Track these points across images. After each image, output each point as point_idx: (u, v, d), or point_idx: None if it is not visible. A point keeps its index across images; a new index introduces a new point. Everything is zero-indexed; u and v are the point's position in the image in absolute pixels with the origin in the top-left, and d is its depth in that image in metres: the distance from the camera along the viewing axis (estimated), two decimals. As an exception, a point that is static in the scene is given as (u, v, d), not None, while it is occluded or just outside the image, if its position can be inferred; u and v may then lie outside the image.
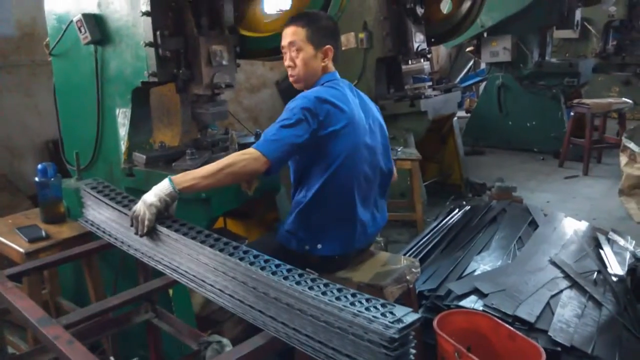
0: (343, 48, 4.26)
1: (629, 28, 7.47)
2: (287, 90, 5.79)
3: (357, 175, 2.02)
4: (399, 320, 1.16)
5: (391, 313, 1.19)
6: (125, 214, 1.84)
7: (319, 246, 2.05)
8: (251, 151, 1.85)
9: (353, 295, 1.27)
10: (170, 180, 1.79)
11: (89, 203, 2.07)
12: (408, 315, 1.18)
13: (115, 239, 1.92)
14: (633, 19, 7.40)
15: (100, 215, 2.00)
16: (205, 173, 1.82)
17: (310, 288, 1.31)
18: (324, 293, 1.28)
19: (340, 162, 1.97)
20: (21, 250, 2.11)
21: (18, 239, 2.19)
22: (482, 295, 2.42)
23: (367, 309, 1.20)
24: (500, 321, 2.15)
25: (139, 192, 2.25)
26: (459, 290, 2.45)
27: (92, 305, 1.79)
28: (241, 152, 1.88)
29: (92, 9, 2.36)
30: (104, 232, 1.99)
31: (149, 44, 2.21)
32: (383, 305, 1.21)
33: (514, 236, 3.11)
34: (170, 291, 2.19)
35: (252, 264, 1.47)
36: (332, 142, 1.95)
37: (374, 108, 2.22)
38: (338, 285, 1.32)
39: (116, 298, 1.69)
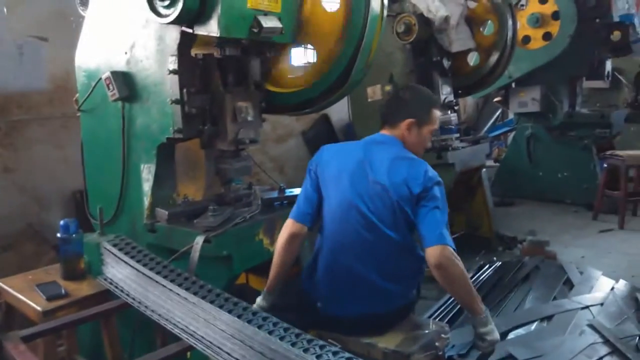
0: (369, 100, 4.28)
1: (661, 78, 7.34)
2: (313, 140, 5.81)
3: None
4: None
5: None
6: (144, 273, 1.80)
7: (319, 304, 2.07)
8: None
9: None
10: None
11: (108, 260, 2.05)
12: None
13: (133, 299, 1.88)
14: (665, 68, 7.28)
15: (120, 273, 1.98)
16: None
17: (331, 364, 1.23)
18: (345, 370, 1.20)
19: None
20: (39, 308, 2.07)
21: (36, 297, 2.15)
22: (516, 362, 2.28)
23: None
24: (536, 392, 2.01)
25: (161, 249, 2.24)
26: (492, 356, 2.31)
27: (107, 370, 1.73)
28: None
29: (121, 66, 2.40)
30: (122, 291, 1.96)
31: (176, 101, 2.23)
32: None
33: (549, 296, 2.96)
34: (189, 354, 2.11)
35: (270, 332, 1.40)
36: None
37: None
38: (361, 361, 1.24)
39: (131, 364, 1.63)
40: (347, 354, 1.29)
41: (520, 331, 2.59)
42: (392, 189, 2.00)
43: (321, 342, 1.35)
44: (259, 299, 2.09)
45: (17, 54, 3.85)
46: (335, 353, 1.30)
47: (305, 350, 1.31)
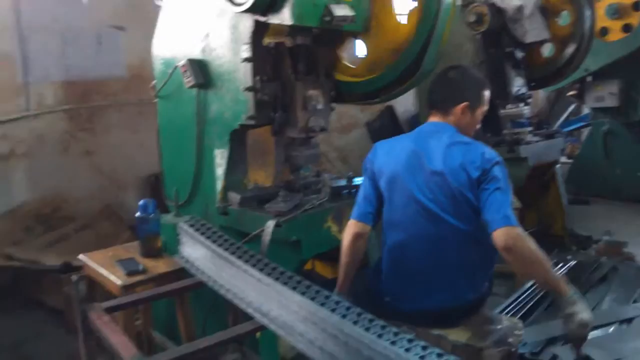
0: (439, 92, 4.19)
1: None
2: (377, 131, 5.77)
3: None
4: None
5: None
6: (219, 254, 1.85)
7: (387, 299, 2.04)
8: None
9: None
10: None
11: (185, 240, 2.12)
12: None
13: (208, 277, 1.94)
14: None
15: (195, 252, 2.04)
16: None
17: (407, 350, 1.22)
18: (422, 357, 1.18)
19: None
20: (119, 282, 2.18)
21: (117, 271, 2.27)
22: (593, 363, 2.17)
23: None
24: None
25: (233, 231, 2.29)
26: (567, 357, 2.21)
27: (182, 346, 1.81)
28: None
29: (197, 54, 2.47)
30: (197, 269, 2.01)
31: (249, 89, 2.27)
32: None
33: (629, 299, 2.81)
34: (258, 333, 2.16)
35: (344, 316, 1.40)
36: None
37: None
38: (437, 350, 1.21)
39: (206, 340, 1.69)
40: (422, 342, 1.27)
41: (597, 333, 2.47)
42: (451, 176, 1.93)
43: (395, 329, 1.33)
44: None
45: (96, 43, 4.05)
46: (410, 340, 1.28)
47: (380, 336, 1.30)
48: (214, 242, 1.90)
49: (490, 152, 1.95)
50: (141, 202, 2.44)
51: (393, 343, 1.27)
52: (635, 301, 2.80)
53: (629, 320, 2.58)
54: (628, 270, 3.19)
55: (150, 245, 2.46)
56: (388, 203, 2.07)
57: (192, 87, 2.48)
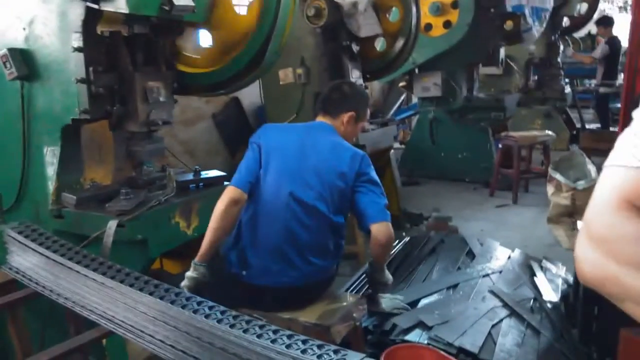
0: (281, 83, 4.29)
1: (548, 65, 7.99)
2: (224, 123, 5.73)
3: None
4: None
5: (344, 360, 1.15)
6: (55, 260, 1.72)
7: (244, 273, 2.13)
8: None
9: (304, 342, 1.23)
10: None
11: (13, 249, 1.92)
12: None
13: (43, 287, 1.78)
14: (551, 56, 7.93)
15: (27, 261, 1.86)
16: None
17: (259, 336, 1.26)
18: (273, 341, 1.23)
19: None
20: None
21: None
22: (426, 327, 2.43)
23: (319, 357, 1.16)
24: (445, 354, 2.16)
25: (69, 235, 2.13)
26: (404, 323, 2.45)
27: (16, 363, 1.64)
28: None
29: (19, 43, 2.23)
30: (30, 280, 1.85)
31: (81, 81, 2.12)
32: (335, 352, 1.18)
33: (454, 267, 3.17)
34: (104, 341, 2.05)
35: (195, 312, 1.40)
36: None
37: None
38: (288, 332, 1.27)
39: (45, 354, 1.56)
40: (273, 327, 1.32)
41: (429, 300, 2.76)
42: (332, 171, 2.16)
43: (247, 317, 1.36)
44: (188, 272, 2.08)
45: None
46: (261, 326, 1.32)
47: (232, 326, 1.32)
48: (48, 247, 1.76)
49: (367, 159, 2.26)
50: (-44, 210, 2.16)
51: (245, 331, 1.30)
52: (459, 268, 3.17)
53: (455, 286, 2.92)
54: (453, 242, 3.58)
55: (-29, 257, 2.18)
56: (265, 180, 2.18)
57: (14, 79, 2.23)
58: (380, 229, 2.13)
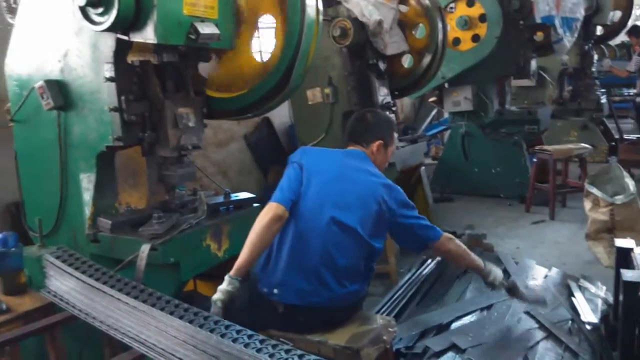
0: (309, 103, 4.33)
1: (582, 75, 7.82)
2: (256, 144, 5.80)
3: None
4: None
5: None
6: (90, 284, 1.77)
7: (275, 291, 2.12)
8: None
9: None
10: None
11: (51, 273, 2.00)
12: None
13: (80, 310, 1.84)
14: (585, 66, 7.77)
15: (64, 285, 1.93)
16: None
17: (285, 361, 1.27)
18: (299, 366, 1.24)
19: None
20: (-22, 327, 1.99)
21: (-25, 314, 2.07)
22: (460, 350, 2.38)
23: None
24: (479, 377, 2.12)
25: (106, 259, 2.20)
26: (437, 346, 2.41)
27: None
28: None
29: (55, 74, 2.34)
30: (67, 303, 1.91)
31: (114, 109, 2.19)
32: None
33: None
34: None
35: (223, 335, 1.42)
36: None
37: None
38: (313, 357, 1.28)
39: (80, 377, 1.60)
40: (299, 351, 1.33)
41: (462, 321, 2.71)
42: (371, 196, 2.20)
43: (273, 342, 1.38)
44: (221, 286, 1.99)
45: None
46: (287, 351, 1.33)
47: (259, 350, 1.34)
48: (84, 272, 1.82)
49: (396, 186, 2.31)
50: (0, 236, 2.25)
51: (272, 356, 1.31)
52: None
53: (489, 307, 2.86)
54: (487, 260, 3.51)
55: (13, 281, 2.26)
56: (304, 200, 2.18)
57: (51, 109, 2.33)
58: (443, 242, 2.31)
